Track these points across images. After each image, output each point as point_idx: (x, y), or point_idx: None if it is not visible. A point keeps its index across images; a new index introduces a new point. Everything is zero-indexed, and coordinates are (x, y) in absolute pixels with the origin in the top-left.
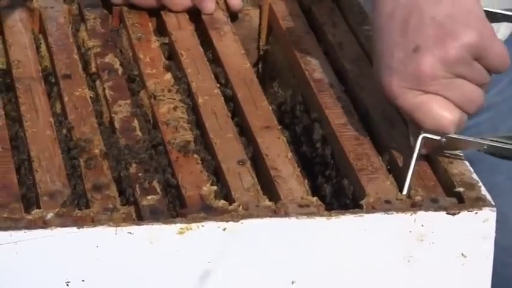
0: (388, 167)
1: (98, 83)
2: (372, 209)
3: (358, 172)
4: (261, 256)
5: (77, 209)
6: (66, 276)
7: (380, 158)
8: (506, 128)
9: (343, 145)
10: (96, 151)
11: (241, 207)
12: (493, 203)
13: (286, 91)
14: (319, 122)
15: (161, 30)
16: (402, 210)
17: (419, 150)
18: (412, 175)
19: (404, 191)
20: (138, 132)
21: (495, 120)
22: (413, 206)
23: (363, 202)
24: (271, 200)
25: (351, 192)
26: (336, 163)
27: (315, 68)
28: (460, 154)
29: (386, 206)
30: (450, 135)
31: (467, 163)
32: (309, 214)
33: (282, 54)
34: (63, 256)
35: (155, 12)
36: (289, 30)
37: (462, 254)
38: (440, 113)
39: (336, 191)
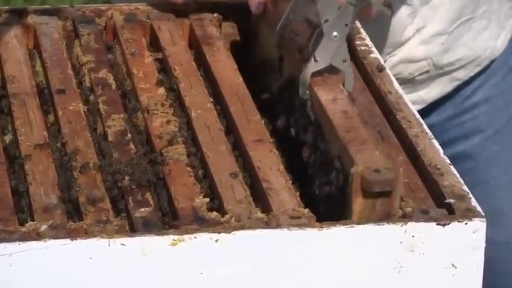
0: None
1: (92, 97)
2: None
3: None
4: (253, 267)
5: (71, 221)
6: (60, 287)
7: None
8: (501, 121)
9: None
10: (90, 164)
11: (233, 218)
12: (483, 214)
13: None
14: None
15: (155, 45)
16: (393, 221)
17: None
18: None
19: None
20: (132, 146)
21: (491, 114)
22: (404, 217)
23: (352, 170)
24: (263, 211)
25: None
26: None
27: None
28: (451, 165)
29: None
30: None
31: (457, 175)
32: (301, 225)
33: None
34: (57, 268)
35: (149, 28)
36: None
37: (452, 265)
38: None
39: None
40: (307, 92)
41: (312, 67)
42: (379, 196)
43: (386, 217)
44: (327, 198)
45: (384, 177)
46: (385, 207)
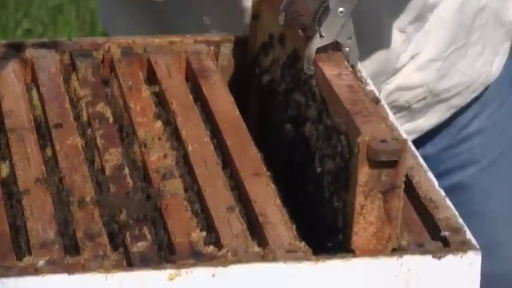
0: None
1: (89, 131)
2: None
3: None
4: None
5: (68, 256)
6: None
7: None
8: (495, 152)
9: None
10: (87, 199)
11: (230, 253)
12: (478, 247)
13: None
14: None
15: (152, 79)
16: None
17: None
18: None
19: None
20: (129, 180)
21: (485, 145)
22: (400, 250)
23: (358, 140)
24: (259, 245)
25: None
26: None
27: None
28: (446, 198)
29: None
30: None
31: (452, 207)
32: (297, 259)
33: None
34: None
35: (146, 62)
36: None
37: None
38: None
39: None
40: (312, 67)
41: (317, 42)
42: (385, 166)
43: (391, 189)
44: (330, 173)
45: (390, 147)
46: (390, 178)
